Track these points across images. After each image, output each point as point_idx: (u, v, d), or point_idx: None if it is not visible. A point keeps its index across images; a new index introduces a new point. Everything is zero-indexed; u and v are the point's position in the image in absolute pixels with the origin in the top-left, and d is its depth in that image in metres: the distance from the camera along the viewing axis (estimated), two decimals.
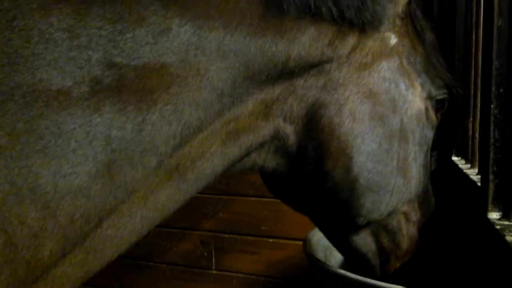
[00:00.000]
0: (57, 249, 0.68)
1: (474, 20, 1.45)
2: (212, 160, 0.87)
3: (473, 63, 1.49)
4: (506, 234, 0.99)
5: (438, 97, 1.18)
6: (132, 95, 0.71)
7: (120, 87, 0.70)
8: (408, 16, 1.10)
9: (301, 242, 2.05)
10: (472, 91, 1.50)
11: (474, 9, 1.46)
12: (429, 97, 1.16)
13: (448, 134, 1.84)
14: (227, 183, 2.54)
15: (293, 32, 0.88)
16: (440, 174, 1.76)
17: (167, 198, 0.83)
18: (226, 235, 2.61)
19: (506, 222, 1.05)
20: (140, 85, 0.72)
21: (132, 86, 0.71)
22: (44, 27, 0.65)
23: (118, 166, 0.71)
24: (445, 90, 1.21)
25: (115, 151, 0.70)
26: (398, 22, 1.06)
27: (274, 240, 2.50)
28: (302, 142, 0.99)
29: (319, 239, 1.70)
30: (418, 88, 1.12)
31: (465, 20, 1.59)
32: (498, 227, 1.04)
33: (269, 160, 1.01)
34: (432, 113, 1.19)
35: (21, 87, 0.63)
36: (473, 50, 1.48)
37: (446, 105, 1.23)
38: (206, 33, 0.77)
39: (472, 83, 1.49)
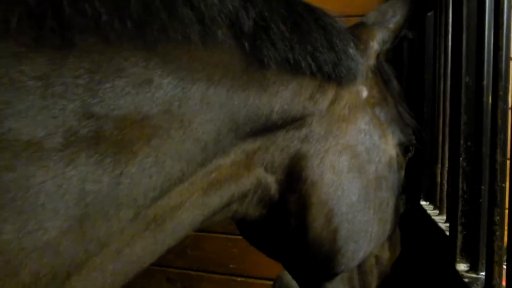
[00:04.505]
0: None
1: (442, 71, 1.50)
2: (191, 210, 0.86)
3: (441, 111, 1.53)
4: None
5: (407, 143, 1.25)
6: (110, 147, 0.68)
7: (97, 139, 0.66)
8: (377, 68, 1.16)
9: (269, 282, 2.01)
10: (440, 138, 1.54)
11: (442, 60, 1.51)
12: (399, 143, 1.22)
13: (416, 178, 1.87)
14: None
15: (276, 86, 0.89)
16: (408, 218, 1.78)
17: (143, 250, 0.80)
18: (193, 273, 2.53)
19: (474, 275, 1.05)
20: (119, 137, 0.68)
21: (110, 138, 0.68)
22: (15, 75, 0.61)
23: (92, 220, 0.68)
24: (412, 136, 1.28)
25: (89, 205, 0.67)
26: (369, 74, 1.11)
27: (243, 279, 2.44)
28: (284, 193, 1.00)
29: (288, 281, 1.68)
30: (389, 137, 1.16)
31: (434, 70, 1.64)
32: (466, 280, 1.04)
33: (251, 210, 1.02)
34: (401, 158, 1.25)
35: None
36: (441, 99, 1.52)
37: (413, 150, 1.29)
38: (189, 85, 0.76)
39: (440, 131, 1.53)
